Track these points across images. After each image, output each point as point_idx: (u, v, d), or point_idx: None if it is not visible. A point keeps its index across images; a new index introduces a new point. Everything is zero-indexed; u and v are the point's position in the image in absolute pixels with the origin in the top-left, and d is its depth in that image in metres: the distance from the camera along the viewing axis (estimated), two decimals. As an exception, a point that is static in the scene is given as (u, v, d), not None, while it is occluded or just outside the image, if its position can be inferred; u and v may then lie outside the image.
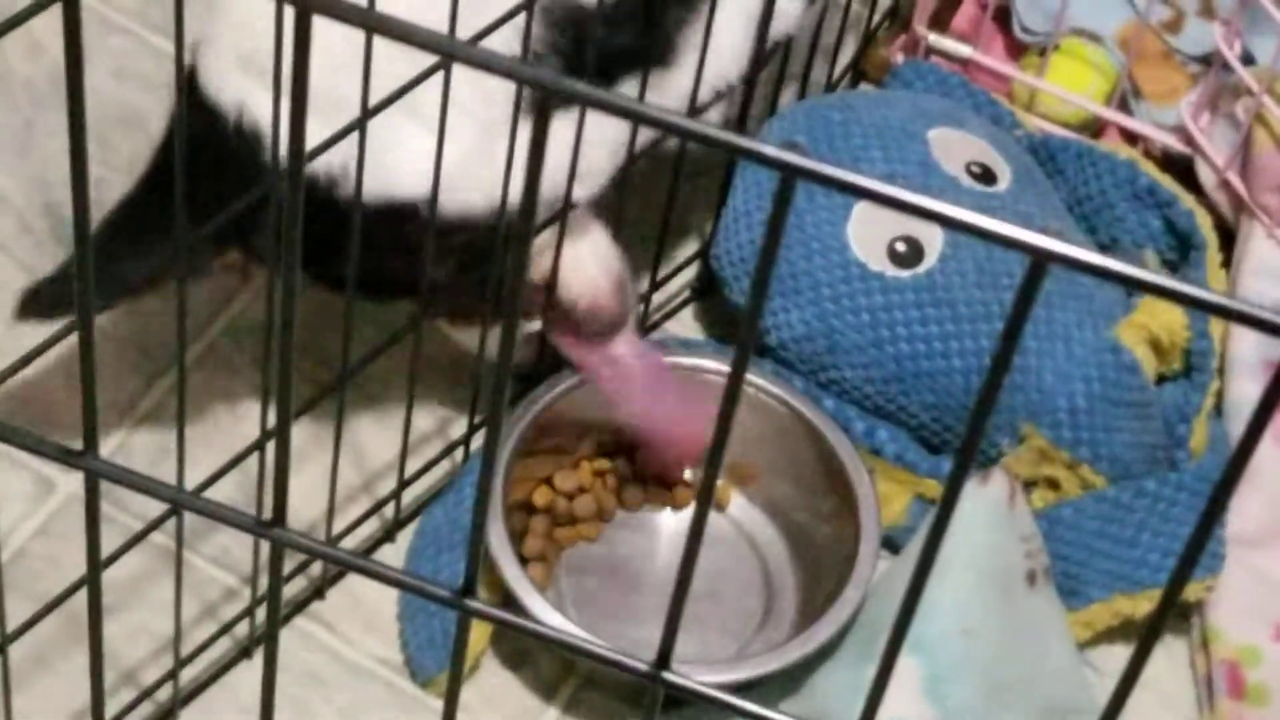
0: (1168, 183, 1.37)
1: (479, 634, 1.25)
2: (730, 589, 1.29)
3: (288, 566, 1.24)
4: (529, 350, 1.30)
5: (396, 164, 1.12)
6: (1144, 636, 0.58)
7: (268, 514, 0.61)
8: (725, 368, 1.30)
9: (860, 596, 1.22)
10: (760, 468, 1.31)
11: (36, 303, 1.17)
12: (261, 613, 1.25)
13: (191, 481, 1.16)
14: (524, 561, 1.24)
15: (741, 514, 1.32)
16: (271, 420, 1.15)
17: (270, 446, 1.15)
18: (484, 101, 1.13)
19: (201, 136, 1.13)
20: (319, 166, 1.11)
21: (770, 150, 0.48)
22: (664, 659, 0.60)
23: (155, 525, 1.17)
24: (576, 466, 1.31)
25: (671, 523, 1.32)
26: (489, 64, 0.52)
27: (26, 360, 1.00)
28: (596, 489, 1.31)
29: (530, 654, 1.28)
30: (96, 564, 0.63)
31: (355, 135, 1.06)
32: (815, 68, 1.45)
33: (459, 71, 1.07)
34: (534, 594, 1.19)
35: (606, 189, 1.23)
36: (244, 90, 1.12)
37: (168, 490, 0.61)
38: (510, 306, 0.52)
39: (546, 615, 1.18)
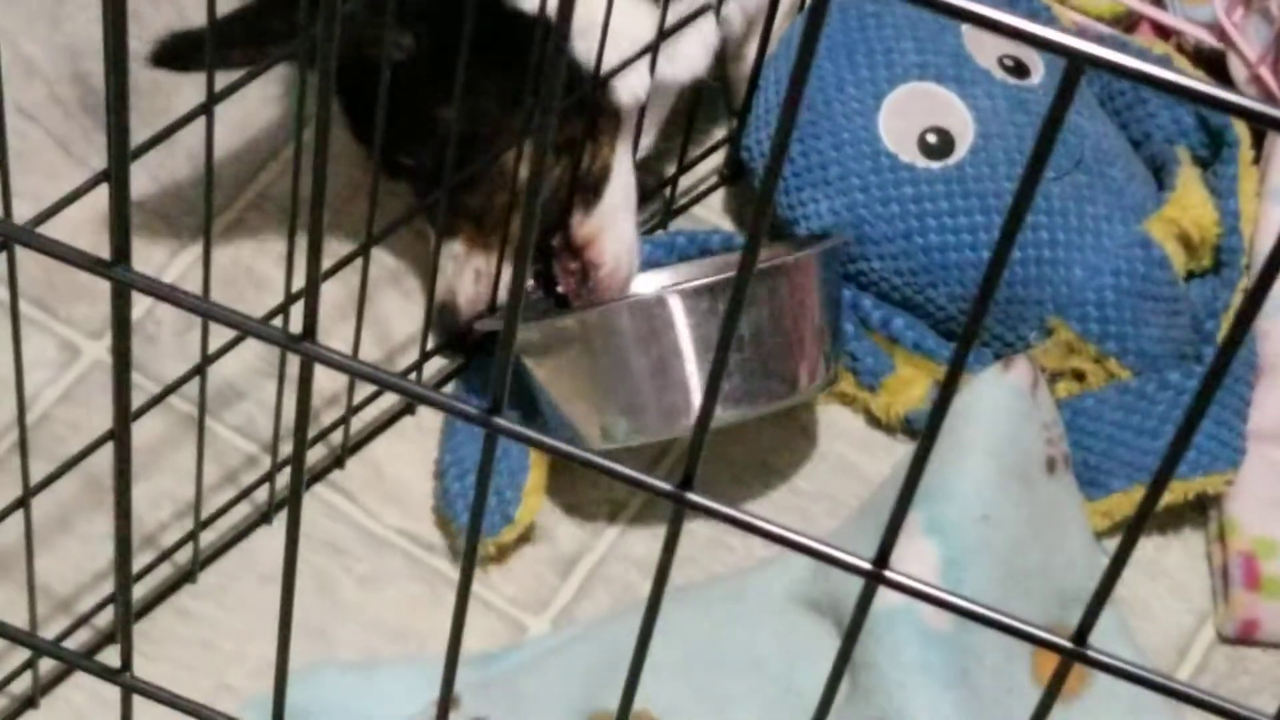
0: (1200, 77, 1.36)
1: (531, 501, 1.24)
2: None
3: (311, 430, 1.24)
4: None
5: None
6: (1135, 516, 0.58)
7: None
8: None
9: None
10: None
11: (169, 53, 1.16)
12: (281, 480, 1.26)
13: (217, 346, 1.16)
14: None
15: None
16: (295, 286, 1.15)
17: (295, 310, 1.15)
18: None
19: None
20: None
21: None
22: (687, 480, 0.61)
23: (179, 384, 1.18)
24: None
25: None
26: None
27: (58, 207, 1.00)
28: None
29: (549, 529, 1.28)
30: (126, 387, 0.63)
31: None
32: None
33: None
34: None
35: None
36: None
37: (195, 302, 0.61)
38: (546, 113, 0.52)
39: None
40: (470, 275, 1.28)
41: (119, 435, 0.64)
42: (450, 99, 1.15)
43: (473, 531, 0.68)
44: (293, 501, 0.64)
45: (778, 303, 1.19)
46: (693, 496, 0.60)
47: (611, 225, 1.28)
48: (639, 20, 1.23)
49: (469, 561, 0.68)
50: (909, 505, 0.61)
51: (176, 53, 1.15)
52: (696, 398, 1.19)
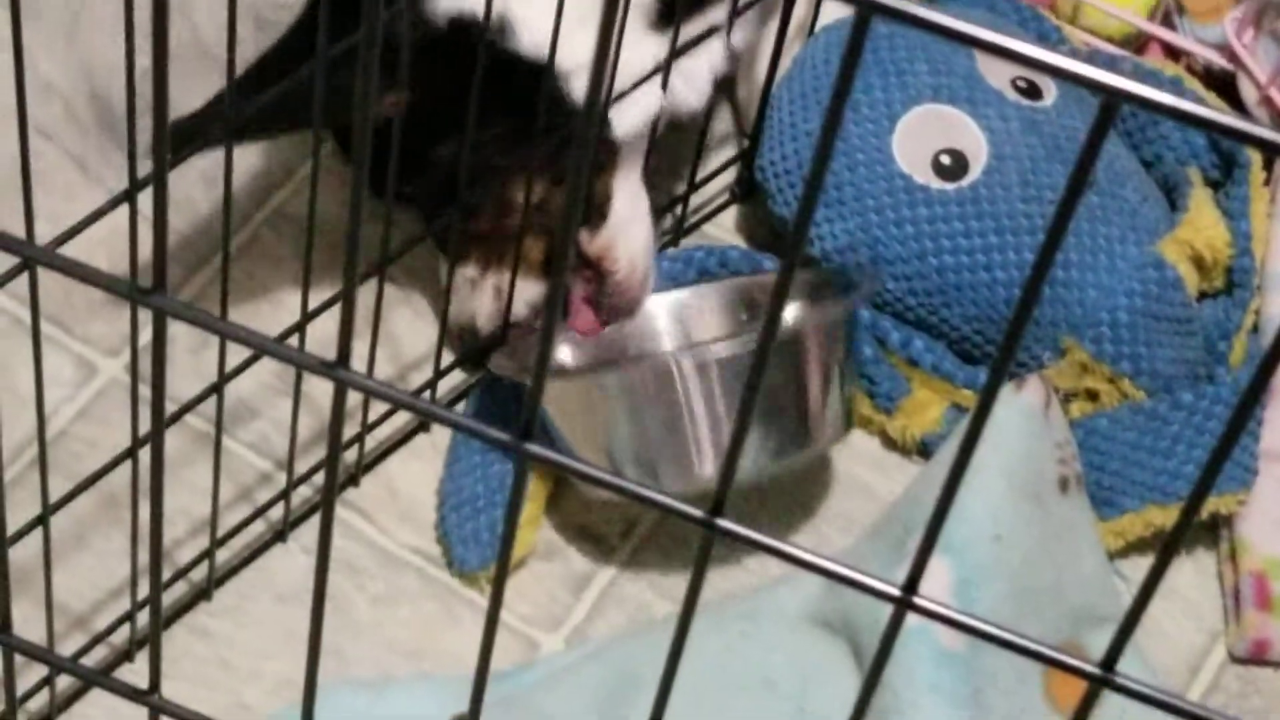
0: (1212, 99, 1.37)
1: (525, 534, 1.26)
2: None
3: (326, 449, 1.24)
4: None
5: None
6: (1165, 544, 0.59)
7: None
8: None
9: None
10: None
11: (183, 138, 1.14)
12: (296, 498, 1.26)
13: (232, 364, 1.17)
14: None
15: None
16: (312, 304, 1.16)
17: (310, 329, 1.16)
18: None
19: None
20: None
21: (850, -17, 0.48)
22: (718, 507, 0.61)
23: (196, 403, 1.18)
24: None
25: None
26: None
27: (79, 227, 1.01)
28: None
29: (562, 547, 1.29)
30: (161, 409, 0.64)
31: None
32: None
33: None
34: None
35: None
36: None
37: (217, 322, 0.62)
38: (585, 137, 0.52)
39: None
40: (490, 293, 1.29)
41: (154, 460, 0.65)
42: (443, 139, 1.18)
43: (503, 559, 0.68)
44: (324, 522, 0.65)
45: (794, 365, 1.21)
46: (724, 523, 0.61)
47: (622, 234, 1.29)
48: (640, 53, 1.23)
49: (499, 586, 0.69)
50: (938, 534, 0.61)
51: (190, 137, 1.14)
52: (708, 461, 1.21)
